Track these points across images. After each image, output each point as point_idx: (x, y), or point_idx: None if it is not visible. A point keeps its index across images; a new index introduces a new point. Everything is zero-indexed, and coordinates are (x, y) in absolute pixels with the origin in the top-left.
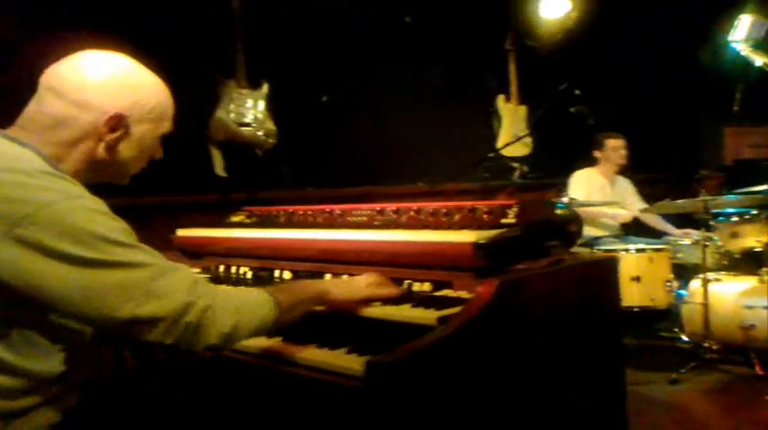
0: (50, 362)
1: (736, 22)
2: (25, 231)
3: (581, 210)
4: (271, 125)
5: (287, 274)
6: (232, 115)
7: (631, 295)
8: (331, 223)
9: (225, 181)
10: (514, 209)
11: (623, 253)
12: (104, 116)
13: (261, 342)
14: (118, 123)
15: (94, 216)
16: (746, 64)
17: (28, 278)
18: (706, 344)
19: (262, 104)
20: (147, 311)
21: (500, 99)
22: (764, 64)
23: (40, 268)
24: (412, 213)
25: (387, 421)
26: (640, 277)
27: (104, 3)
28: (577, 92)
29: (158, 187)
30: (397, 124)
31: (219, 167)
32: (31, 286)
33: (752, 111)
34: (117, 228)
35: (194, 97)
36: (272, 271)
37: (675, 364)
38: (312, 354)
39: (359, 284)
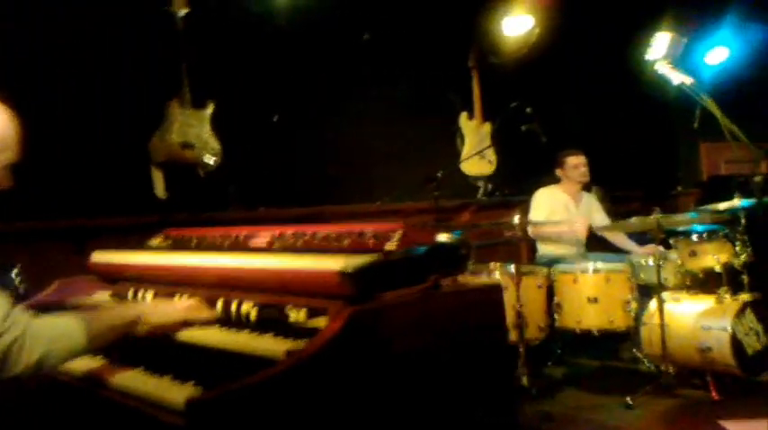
0: None
1: (652, 41)
2: None
3: (540, 230)
4: (215, 145)
5: (182, 300)
6: (174, 135)
7: (589, 316)
8: (234, 248)
9: (166, 202)
10: (398, 233)
11: (579, 273)
12: None
13: (86, 363)
14: None
15: None
16: None
17: None
18: (663, 368)
19: (206, 124)
20: None
21: (463, 116)
22: (682, 83)
23: None
24: (307, 237)
25: None
26: (598, 298)
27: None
28: (528, 110)
29: (97, 209)
30: (359, 142)
31: (160, 189)
32: None
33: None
34: None
35: (136, 118)
36: (172, 297)
37: (633, 388)
38: (141, 383)
39: (174, 308)
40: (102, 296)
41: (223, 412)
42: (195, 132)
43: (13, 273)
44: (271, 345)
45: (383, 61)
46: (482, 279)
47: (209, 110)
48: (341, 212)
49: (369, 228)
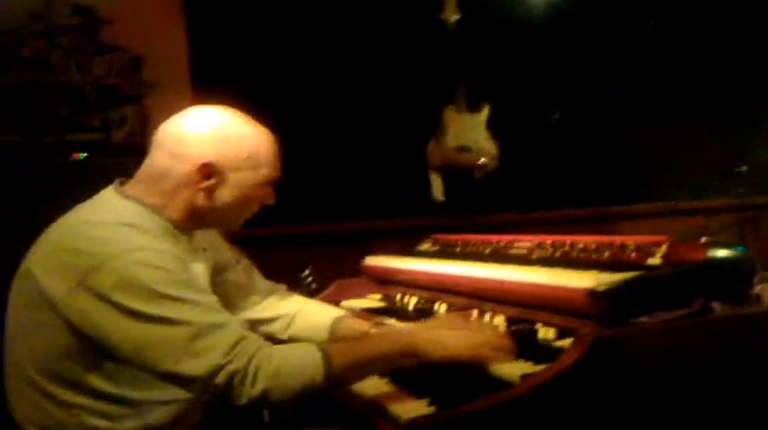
0: (152, 390)
1: None
2: (92, 281)
3: None
4: (491, 148)
5: (443, 308)
6: (450, 140)
7: None
8: (491, 257)
9: (444, 205)
10: (663, 248)
11: None
12: (196, 165)
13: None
14: (211, 172)
15: (149, 270)
16: None
17: (92, 325)
18: None
19: (482, 127)
20: (184, 369)
21: None
22: None
23: (100, 316)
24: (566, 248)
25: None
26: None
27: (327, 43)
28: None
29: (380, 212)
30: (648, 136)
31: (438, 192)
32: (95, 332)
33: None
34: (169, 281)
35: (414, 124)
36: (432, 304)
37: None
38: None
39: (461, 342)
40: (373, 298)
41: None
42: (471, 136)
43: (306, 273)
44: (508, 366)
45: (673, 46)
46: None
47: (485, 113)
48: (627, 213)
49: (630, 241)
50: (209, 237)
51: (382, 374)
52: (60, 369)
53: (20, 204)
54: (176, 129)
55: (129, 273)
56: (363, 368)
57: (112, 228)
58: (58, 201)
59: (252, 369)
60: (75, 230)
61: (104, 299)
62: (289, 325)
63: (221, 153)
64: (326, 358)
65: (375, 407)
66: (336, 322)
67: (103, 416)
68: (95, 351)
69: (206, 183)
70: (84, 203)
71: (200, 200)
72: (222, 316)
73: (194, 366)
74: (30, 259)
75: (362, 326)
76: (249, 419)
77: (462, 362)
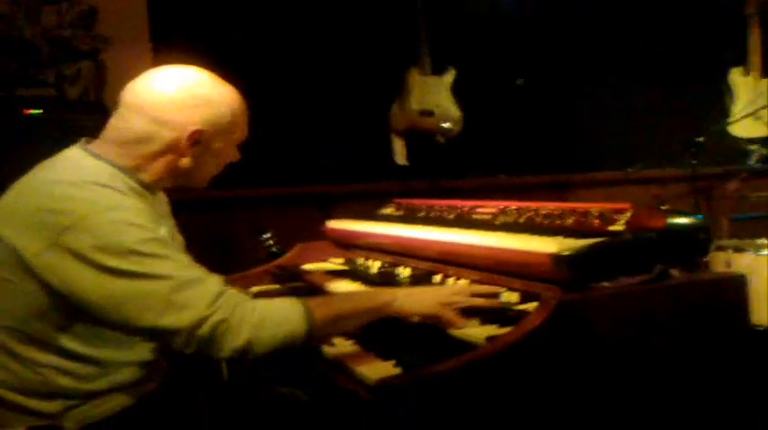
0: (120, 350)
1: None
2: (67, 240)
3: None
4: (455, 112)
5: (406, 272)
6: (414, 103)
7: None
8: (456, 222)
9: (407, 169)
10: (626, 215)
11: None
12: (185, 133)
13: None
14: (200, 138)
15: (125, 227)
16: None
17: (69, 284)
18: None
19: (446, 91)
20: (166, 322)
21: (735, 72)
22: None
23: (77, 275)
24: (530, 214)
25: None
26: None
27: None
28: None
29: (342, 176)
30: (609, 104)
31: (401, 156)
32: (72, 291)
33: None
34: (146, 238)
35: (377, 87)
36: (395, 267)
37: None
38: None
39: (433, 298)
40: (335, 262)
41: (409, 396)
42: (435, 100)
43: (266, 236)
44: (473, 329)
45: (634, 16)
46: (722, 269)
47: (450, 76)
48: (585, 180)
49: (594, 208)
50: (163, 207)
51: (348, 334)
52: (29, 328)
53: None
54: (155, 92)
55: (106, 231)
56: (343, 321)
57: (86, 187)
58: (15, 158)
59: (235, 320)
60: (45, 189)
61: (81, 257)
62: None
63: (207, 119)
64: (308, 310)
65: (340, 368)
66: None
67: (69, 374)
68: (67, 310)
69: (193, 150)
70: (48, 162)
71: (184, 164)
72: (201, 270)
73: (177, 318)
74: None
75: None
76: (208, 378)
77: (437, 316)
